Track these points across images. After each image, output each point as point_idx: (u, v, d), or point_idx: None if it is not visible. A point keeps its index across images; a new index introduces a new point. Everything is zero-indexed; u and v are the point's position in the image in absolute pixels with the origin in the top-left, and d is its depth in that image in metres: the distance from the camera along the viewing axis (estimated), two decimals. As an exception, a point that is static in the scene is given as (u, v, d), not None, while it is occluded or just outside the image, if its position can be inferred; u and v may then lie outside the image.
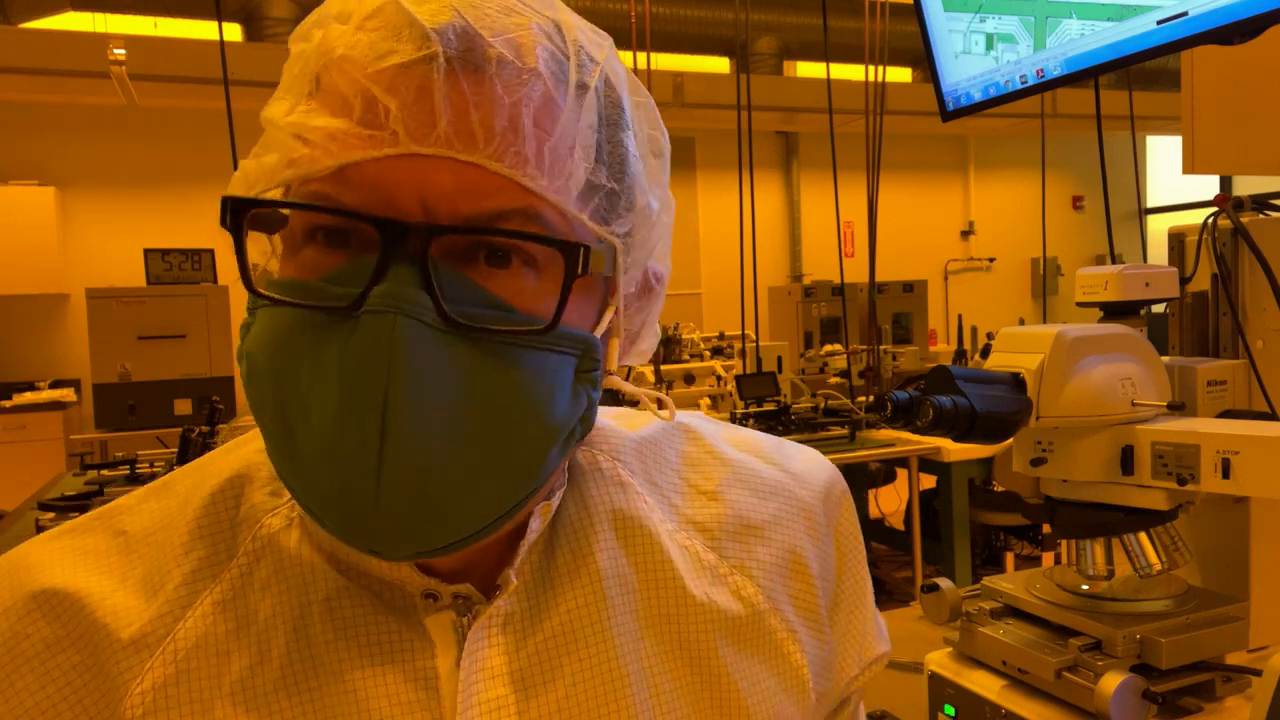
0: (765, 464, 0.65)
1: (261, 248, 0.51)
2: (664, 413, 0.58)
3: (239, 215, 0.46)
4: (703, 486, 0.61)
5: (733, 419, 3.95)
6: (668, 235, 0.57)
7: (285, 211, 0.47)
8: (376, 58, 0.44)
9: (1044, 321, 6.00)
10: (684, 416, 0.65)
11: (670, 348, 5.07)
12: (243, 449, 0.56)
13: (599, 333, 0.50)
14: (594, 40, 0.51)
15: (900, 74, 7.23)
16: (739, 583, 0.59)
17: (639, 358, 0.58)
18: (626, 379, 0.56)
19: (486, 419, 0.44)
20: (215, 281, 5.86)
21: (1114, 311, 1.14)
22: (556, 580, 0.54)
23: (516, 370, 0.45)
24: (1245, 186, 1.66)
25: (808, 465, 0.66)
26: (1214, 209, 1.29)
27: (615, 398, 2.43)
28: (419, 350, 0.42)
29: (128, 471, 3.41)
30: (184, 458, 3.03)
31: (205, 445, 3.28)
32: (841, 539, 0.66)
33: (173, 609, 0.50)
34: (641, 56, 4.23)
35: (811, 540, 0.63)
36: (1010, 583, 1.17)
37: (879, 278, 4.73)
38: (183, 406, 5.47)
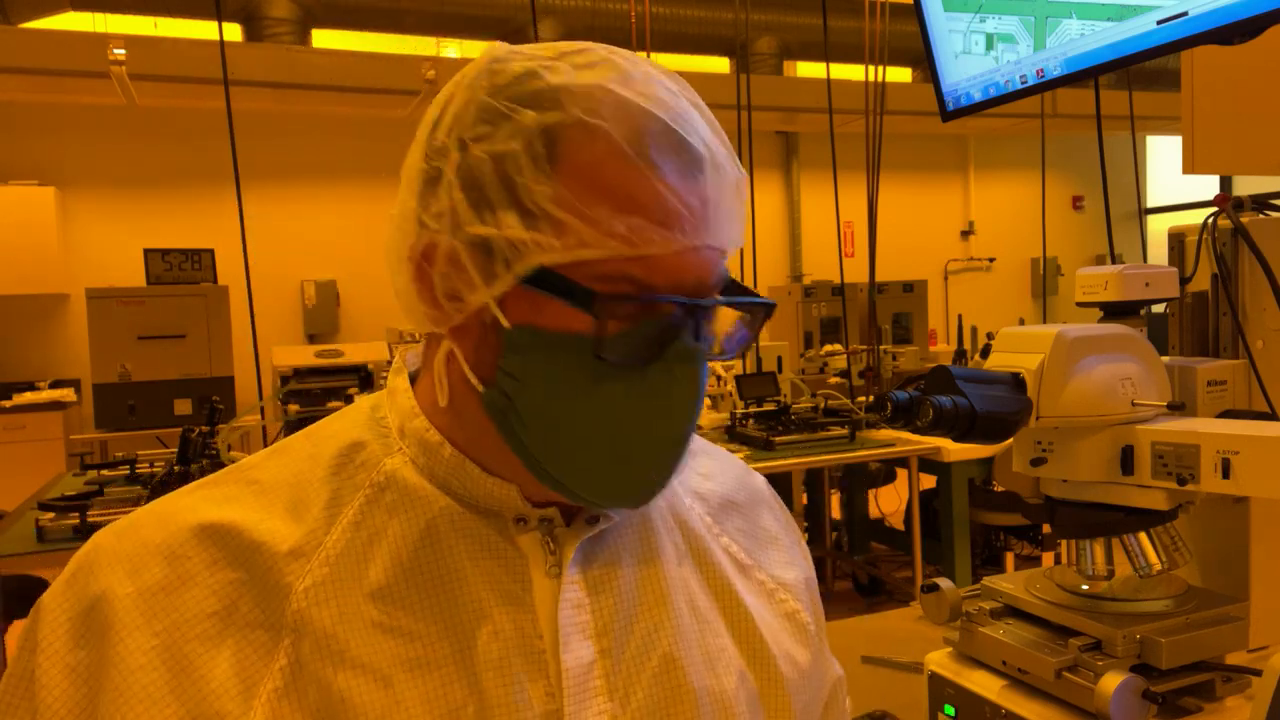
0: (730, 462, 0.82)
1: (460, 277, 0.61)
2: None
3: (606, 304, 0.56)
4: (699, 469, 0.78)
5: (733, 419, 3.95)
6: None
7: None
8: (672, 172, 0.57)
9: (1044, 321, 5.99)
10: None
11: (670, 348, 5.06)
12: (346, 419, 0.68)
13: None
14: (714, 122, 0.64)
15: (900, 74, 7.23)
16: (727, 542, 0.74)
17: None
18: None
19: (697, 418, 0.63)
20: (215, 281, 5.86)
21: (1114, 311, 1.14)
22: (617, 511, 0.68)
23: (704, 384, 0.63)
24: (1245, 186, 1.66)
25: (748, 469, 0.83)
26: (1214, 209, 1.29)
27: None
28: (702, 385, 0.61)
29: (128, 471, 3.41)
30: (184, 458, 3.03)
31: (205, 445, 3.28)
32: (802, 549, 0.81)
33: (318, 527, 0.61)
34: (641, 56, 4.23)
35: (778, 525, 0.79)
36: (1010, 583, 1.17)
37: (879, 278, 4.73)
38: (183, 406, 5.47)
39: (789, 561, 0.77)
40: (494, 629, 0.61)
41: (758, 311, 0.64)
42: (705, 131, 0.60)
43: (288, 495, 0.63)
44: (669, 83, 0.61)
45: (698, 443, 0.78)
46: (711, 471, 0.78)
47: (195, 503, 0.62)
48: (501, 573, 0.62)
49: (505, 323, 0.59)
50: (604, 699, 0.62)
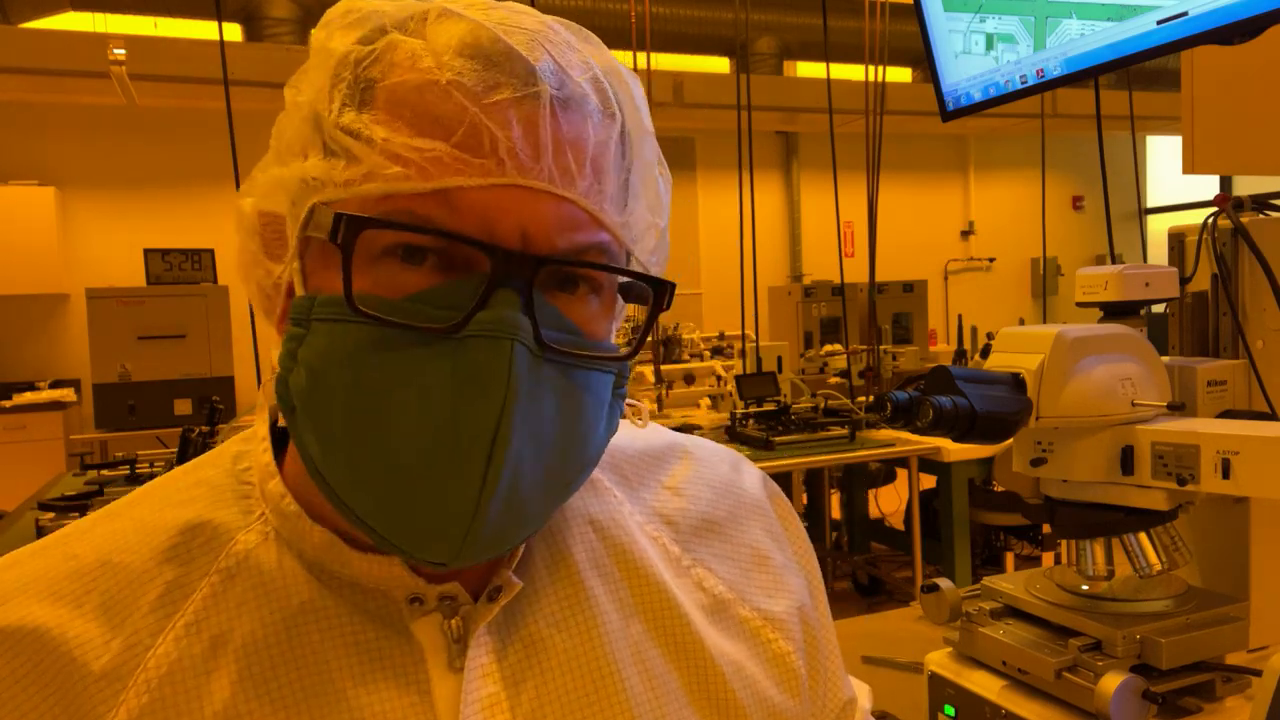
0: (717, 461, 0.68)
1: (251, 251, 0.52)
2: (639, 422, 0.60)
3: (354, 233, 0.45)
4: (667, 482, 0.64)
5: (733, 419, 3.95)
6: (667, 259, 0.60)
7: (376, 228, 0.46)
8: (486, 88, 0.45)
9: (1044, 321, 5.99)
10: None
11: (670, 348, 5.07)
12: (200, 471, 0.55)
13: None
14: (632, 80, 0.53)
15: (900, 74, 7.23)
16: (701, 575, 0.61)
17: None
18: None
19: (561, 438, 0.47)
20: (215, 281, 5.86)
21: (1114, 311, 1.14)
22: (534, 579, 0.55)
23: (586, 392, 0.48)
24: (1245, 186, 1.66)
25: (743, 463, 0.70)
26: (1214, 209, 1.29)
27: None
28: (528, 375, 0.44)
29: (128, 471, 3.41)
30: (184, 457, 3.03)
31: (205, 445, 3.28)
32: (806, 562, 0.69)
33: (141, 637, 0.48)
34: (641, 56, 4.23)
35: (769, 537, 0.66)
36: (1010, 583, 1.17)
37: (879, 278, 4.72)
38: (183, 406, 5.47)
39: (777, 586, 0.64)
40: None
41: (627, 293, 0.51)
42: (573, 65, 0.48)
43: (106, 584, 0.49)
44: (555, 22, 0.50)
45: (686, 442, 0.67)
46: (685, 483, 0.64)
47: (9, 583, 0.50)
48: (388, 678, 0.49)
49: (298, 292, 0.47)
50: None
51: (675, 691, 0.56)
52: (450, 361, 0.44)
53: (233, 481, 0.54)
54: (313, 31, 0.50)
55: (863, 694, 0.80)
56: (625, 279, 0.51)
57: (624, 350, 0.51)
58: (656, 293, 0.50)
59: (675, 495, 0.64)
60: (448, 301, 0.45)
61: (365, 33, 0.48)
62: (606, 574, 0.57)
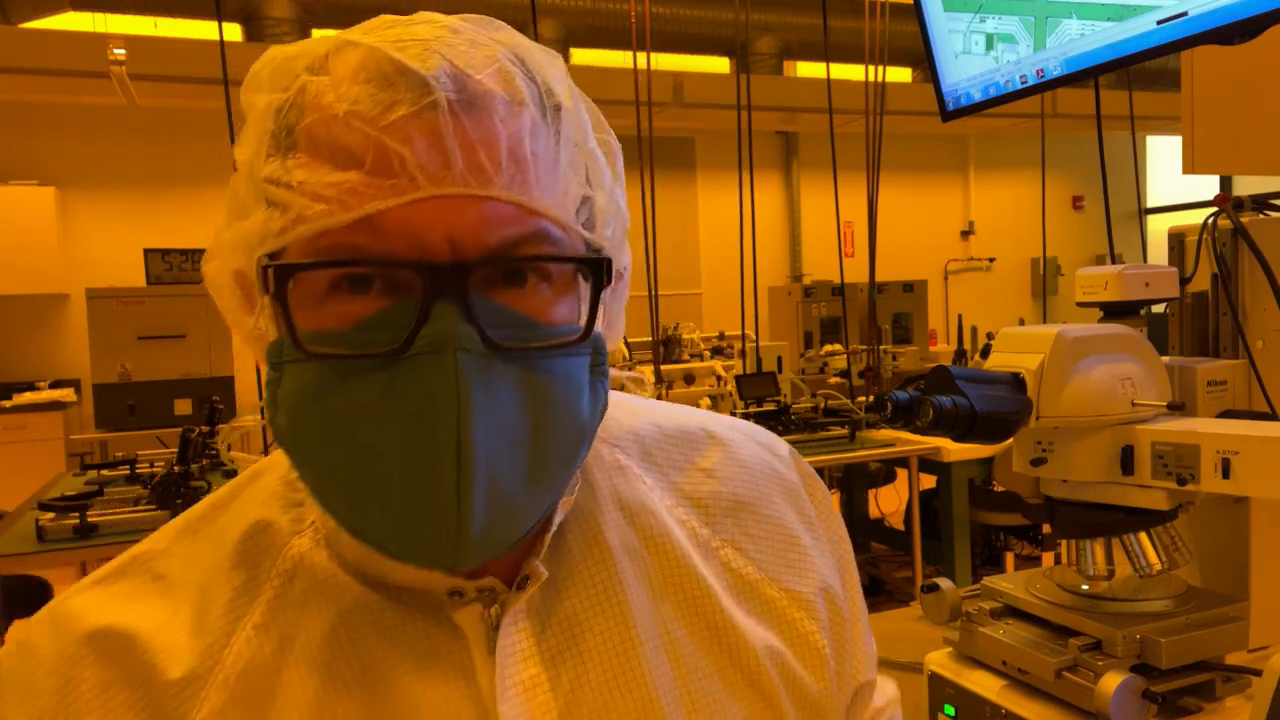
0: (750, 442, 0.70)
1: (227, 303, 0.54)
2: (642, 391, 0.63)
3: (284, 281, 0.47)
4: (700, 464, 0.65)
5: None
6: (626, 226, 0.59)
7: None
8: (383, 109, 0.46)
9: (1044, 321, 5.99)
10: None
11: (670, 348, 5.07)
12: (260, 481, 0.59)
13: (598, 330, 0.53)
14: (548, 59, 0.54)
15: (900, 74, 7.23)
16: (729, 555, 0.63)
17: (614, 342, 0.60)
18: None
19: (536, 429, 0.49)
20: (215, 281, 5.86)
21: (1114, 311, 1.14)
22: (570, 562, 0.57)
23: (553, 379, 0.49)
24: (1245, 186, 1.66)
25: (777, 443, 0.72)
26: (1214, 209, 1.29)
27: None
28: (478, 380, 0.46)
29: (128, 471, 3.41)
30: (184, 458, 3.03)
31: (205, 445, 3.28)
32: (837, 542, 0.70)
33: (217, 639, 0.52)
34: (641, 56, 4.23)
35: (800, 517, 0.68)
36: (1010, 583, 1.17)
37: (879, 278, 4.73)
38: (183, 406, 5.47)
39: (805, 566, 0.65)
40: None
41: (579, 273, 0.51)
42: (475, 62, 0.48)
43: (195, 595, 0.54)
44: (460, 24, 0.51)
45: (717, 425, 0.68)
46: (718, 464, 0.66)
47: (93, 602, 0.54)
48: (436, 665, 0.52)
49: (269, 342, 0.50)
50: None
51: (704, 670, 0.58)
52: (402, 382, 0.46)
53: (286, 489, 0.58)
54: (241, 92, 0.52)
55: (890, 689, 0.79)
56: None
57: (580, 330, 0.51)
58: (595, 271, 0.51)
59: (708, 477, 0.65)
60: (393, 323, 0.46)
61: (284, 80, 0.50)
62: (636, 556, 0.59)
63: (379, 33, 0.49)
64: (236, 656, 0.51)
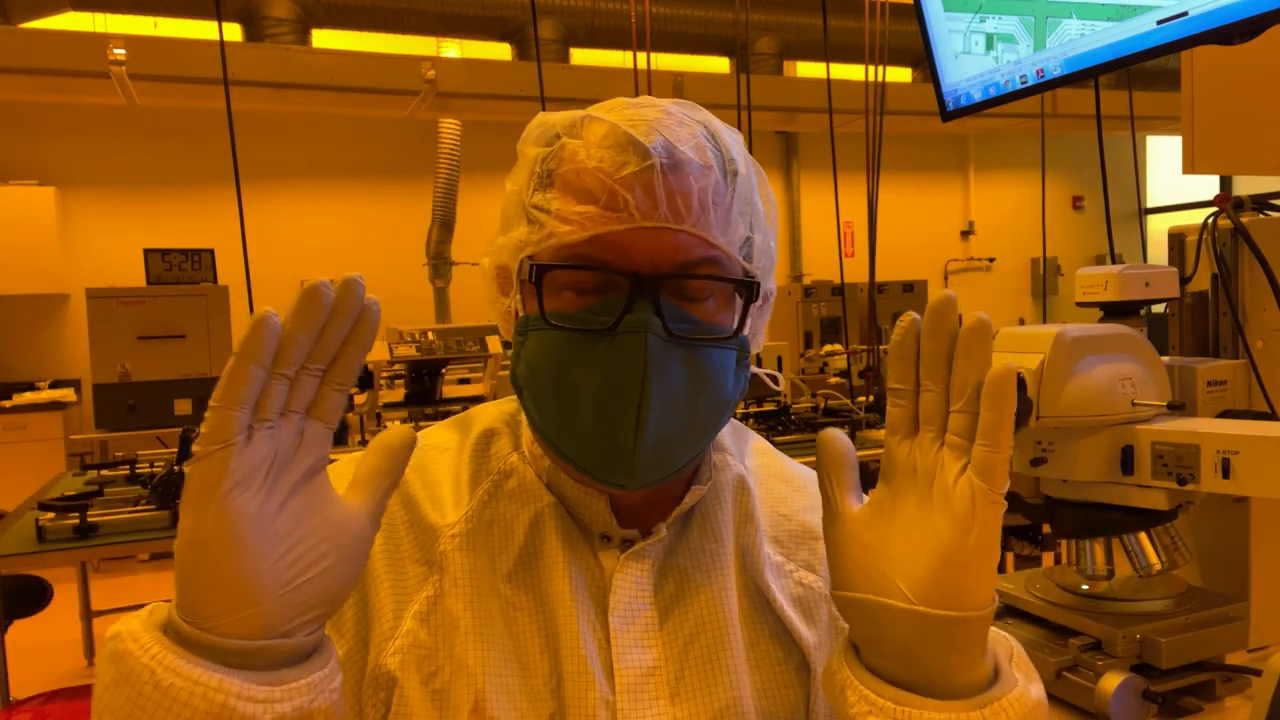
0: (808, 482, 0.85)
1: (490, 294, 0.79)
2: (774, 385, 0.87)
3: (541, 275, 0.68)
4: (778, 508, 0.82)
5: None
6: (774, 261, 0.78)
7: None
8: (617, 167, 0.67)
9: (1044, 321, 5.98)
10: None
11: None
12: (496, 409, 0.83)
13: (745, 334, 0.73)
14: (732, 135, 0.74)
15: (900, 74, 7.23)
16: (801, 575, 0.79)
17: (758, 346, 0.80)
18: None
19: (692, 393, 0.68)
20: (215, 281, 5.85)
21: (1114, 311, 1.14)
22: (689, 537, 0.77)
23: (709, 362, 0.69)
24: (1245, 186, 1.66)
25: None
26: (1214, 209, 1.29)
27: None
28: (658, 355, 0.66)
29: (128, 472, 3.41)
30: (183, 458, 3.03)
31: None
32: None
33: (463, 496, 0.76)
34: (641, 56, 4.22)
35: None
36: (1010, 583, 1.17)
37: (879, 278, 4.72)
38: (183, 406, 5.46)
39: None
40: (573, 628, 0.71)
41: (736, 291, 0.71)
42: (681, 138, 0.68)
43: (443, 465, 0.78)
44: (673, 107, 0.72)
45: (787, 469, 0.86)
46: (791, 504, 0.82)
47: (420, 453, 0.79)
48: (586, 571, 0.73)
49: (520, 315, 0.72)
50: (665, 702, 0.70)
51: (764, 647, 0.75)
52: (610, 349, 0.66)
53: (509, 417, 0.82)
54: (518, 145, 0.75)
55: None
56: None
57: (731, 331, 0.71)
58: (747, 290, 0.71)
59: (786, 520, 0.81)
60: (606, 311, 0.67)
61: (547, 138, 0.72)
62: (734, 549, 0.77)
63: (618, 112, 0.70)
64: (472, 511, 0.74)
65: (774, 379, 0.86)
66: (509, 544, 0.73)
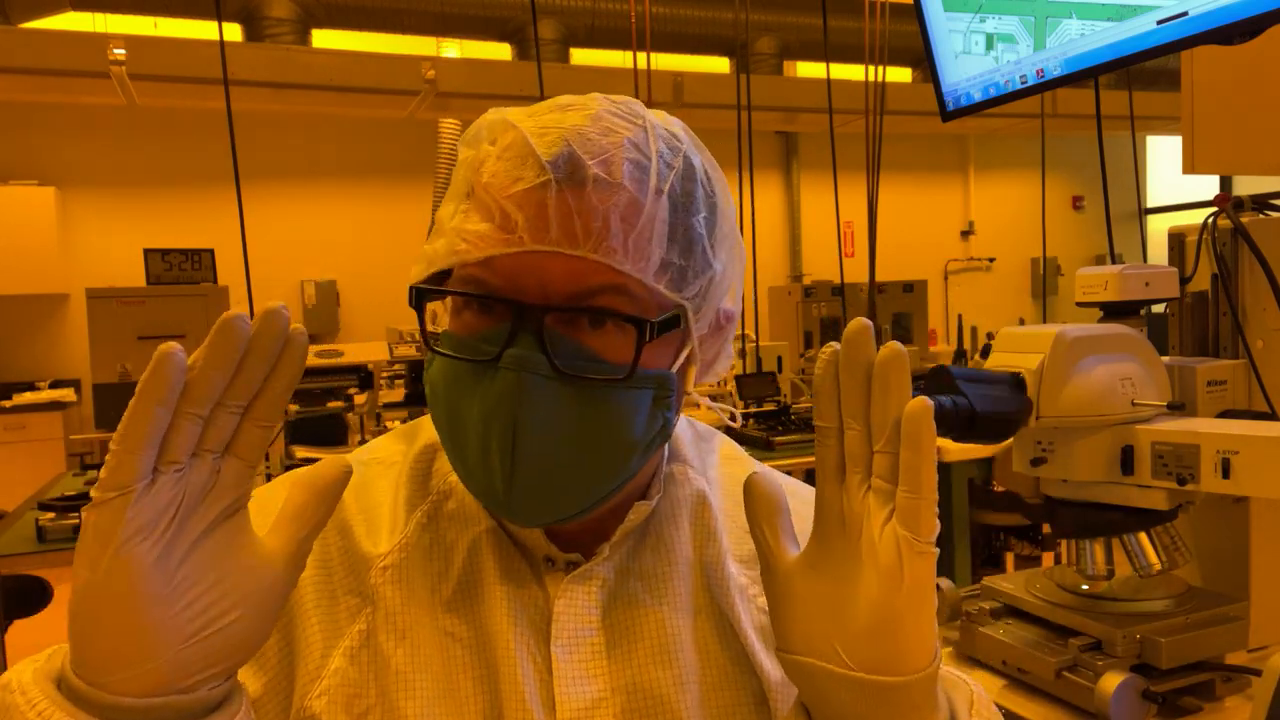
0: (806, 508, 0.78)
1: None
2: (733, 422, 0.80)
3: (422, 298, 0.65)
4: (744, 522, 0.72)
5: (732, 419, 3.95)
6: (739, 279, 0.72)
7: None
8: (510, 182, 0.61)
9: (1044, 321, 5.98)
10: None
11: (670, 348, 5.06)
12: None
13: (676, 367, 0.66)
14: (673, 144, 0.66)
15: (900, 74, 7.23)
16: (764, 601, 0.70)
17: (715, 376, 0.75)
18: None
19: (583, 435, 0.62)
20: (215, 281, 5.86)
21: (1114, 311, 1.14)
22: (641, 558, 0.72)
23: (605, 404, 0.63)
24: (1245, 186, 1.66)
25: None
26: (1214, 209, 1.29)
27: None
28: (535, 396, 0.61)
29: (128, 471, 3.40)
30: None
31: (205, 445, 3.26)
32: None
33: (398, 521, 0.71)
34: (641, 56, 4.22)
35: None
36: (1010, 583, 1.18)
37: (879, 278, 4.72)
38: (183, 406, 5.46)
39: None
40: (510, 659, 0.66)
41: (635, 326, 0.62)
42: (598, 149, 0.61)
43: (393, 486, 0.74)
44: (610, 110, 0.64)
45: (796, 491, 0.76)
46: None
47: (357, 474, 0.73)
48: (525, 600, 0.68)
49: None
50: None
51: (724, 667, 0.69)
52: (492, 383, 0.62)
53: None
54: (458, 141, 0.69)
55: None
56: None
57: (627, 371, 0.63)
58: (650, 326, 0.62)
59: (747, 535, 0.73)
60: (494, 340, 0.61)
61: (477, 143, 0.66)
62: (693, 568, 0.72)
63: (539, 116, 0.64)
64: (409, 536, 0.70)
65: (731, 416, 0.78)
66: (449, 570, 0.69)
